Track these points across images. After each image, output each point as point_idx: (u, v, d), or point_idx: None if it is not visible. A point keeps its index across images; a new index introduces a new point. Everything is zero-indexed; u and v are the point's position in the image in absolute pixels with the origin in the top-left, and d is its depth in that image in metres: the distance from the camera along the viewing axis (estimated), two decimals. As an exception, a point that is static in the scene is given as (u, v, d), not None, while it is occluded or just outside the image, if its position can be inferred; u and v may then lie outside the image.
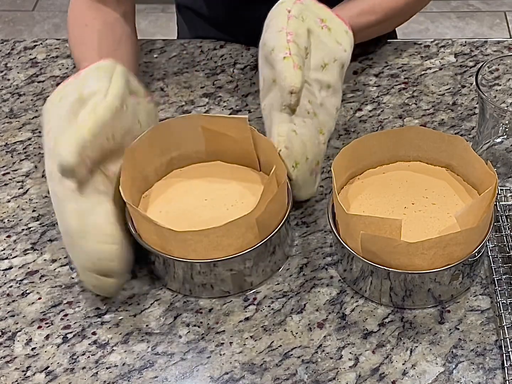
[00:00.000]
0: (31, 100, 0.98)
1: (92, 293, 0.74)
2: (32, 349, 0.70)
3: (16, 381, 0.68)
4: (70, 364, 0.69)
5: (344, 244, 0.70)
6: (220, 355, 0.69)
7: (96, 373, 0.68)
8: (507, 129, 0.81)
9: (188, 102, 0.96)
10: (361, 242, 0.68)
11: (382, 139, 0.77)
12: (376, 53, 1.01)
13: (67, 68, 1.02)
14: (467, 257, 0.69)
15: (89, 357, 0.69)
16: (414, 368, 0.67)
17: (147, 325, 0.72)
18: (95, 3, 0.90)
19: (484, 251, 0.72)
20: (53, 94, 0.75)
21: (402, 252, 0.66)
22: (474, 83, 0.80)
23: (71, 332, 0.71)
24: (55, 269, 0.77)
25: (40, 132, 0.92)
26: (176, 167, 0.80)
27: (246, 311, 0.72)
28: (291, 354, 0.69)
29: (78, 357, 0.69)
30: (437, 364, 0.67)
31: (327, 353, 0.69)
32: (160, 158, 0.78)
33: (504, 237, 0.76)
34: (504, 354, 0.67)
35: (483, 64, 0.80)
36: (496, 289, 0.71)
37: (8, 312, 0.73)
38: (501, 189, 0.80)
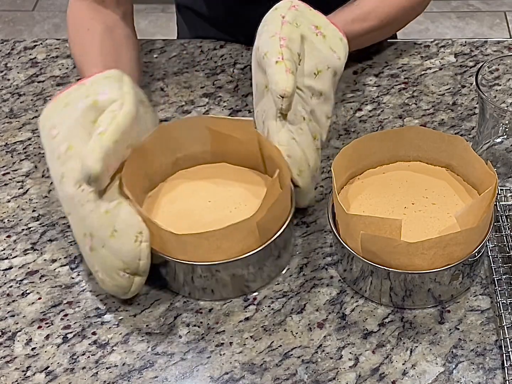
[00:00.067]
0: (31, 100, 0.98)
1: (92, 293, 0.74)
2: (32, 349, 0.70)
3: (16, 381, 0.68)
4: (70, 364, 0.69)
5: (344, 244, 0.70)
6: (220, 355, 0.69)
7: (96, 373, 0.68)
8: (507, 129, 0.81)
9: (188, 102, 0.96)
10: (361, 242, 0.68)
11: (382, 139, 0.77)
12: (376, 53, 1.01)
13: (67, 68, 1.02)
14: (467, 257, 0.69)
15: (89, 357, 0.69)
16: (414, 368, 0.67)
17: (147, 325, 0.72)
18: (94, 5, 0.90)
19: (484, 251, 0.72)
20: (54, 101, 0.75)
21: (402, 252, 0.66)
22: (474, 83, 0.80)
23: (71, 332, 0.71)
24: (55, 269, 0.77)
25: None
26: (182, 168, 0.80)
27: (246, 311, 0.72)
28: (291, 354, 0.69)
29: (78, 357, 0.69)
30: (437, 364, 0.67)
31: (327, 353, 0.69)
32: (166, 158, 0.78)
33: (504, 237, 0.76)
34: (504, 354, 0.67)
35: (483, 64, 0.80)
36: (496, 289, 0.71)
37: (8, 312, 0.73)
38: (501, 189, 0.80)
